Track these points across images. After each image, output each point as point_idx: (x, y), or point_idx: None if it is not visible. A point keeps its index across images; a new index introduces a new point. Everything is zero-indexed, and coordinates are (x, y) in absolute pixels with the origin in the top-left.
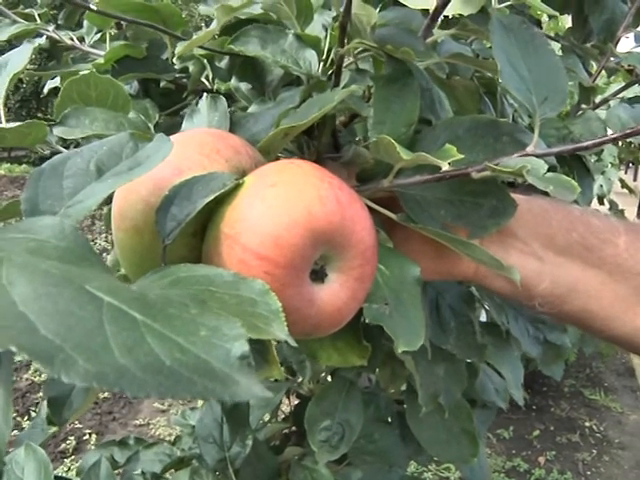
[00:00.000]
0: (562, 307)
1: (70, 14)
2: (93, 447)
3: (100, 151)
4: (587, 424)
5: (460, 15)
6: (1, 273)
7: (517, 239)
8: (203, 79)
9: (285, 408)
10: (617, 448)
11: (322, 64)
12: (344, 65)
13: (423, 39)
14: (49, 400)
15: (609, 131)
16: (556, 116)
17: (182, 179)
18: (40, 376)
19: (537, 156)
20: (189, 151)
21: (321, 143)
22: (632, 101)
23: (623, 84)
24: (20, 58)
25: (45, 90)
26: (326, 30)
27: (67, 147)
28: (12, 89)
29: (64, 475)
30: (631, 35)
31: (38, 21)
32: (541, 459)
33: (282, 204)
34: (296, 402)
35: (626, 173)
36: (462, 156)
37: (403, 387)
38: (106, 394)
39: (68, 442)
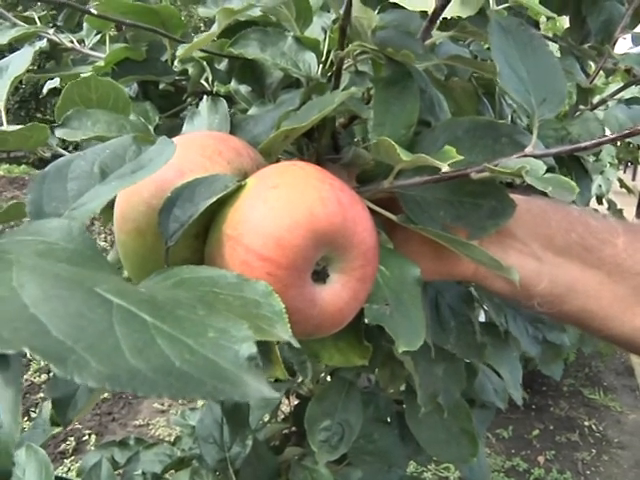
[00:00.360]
0: (561, 307)
1: (70, 16)
2: (93, 448)
3: (103, 154)
4: (586, 423)
5: (459, 17)
6: (11, 276)
7: (516, 239)
8: (203, 81)
9: (285, 408)
10: (616, 447)
11: (321, 66)
12: (344, 67)
13: (422, 41)
14: (53, 401)
15: (607, 131)
16: (554, 117)
17: (184, 181)
18: (40, 377)
19: (536, 157)
20: (191, 153)
21: (321, 145)
22: (630, 102)
23: (622, 84)
24: (21, 61)
25: (44, 91)
26: (325, 32)
27: (66, 149)
28: (12, 91)
29: (64, 476)
30: (628, 36)
31: (38, 24)
32: (540, 458)
33: (284, 205)
34: (296, 402)
35: (625, 173)
36: (461, 157)
37: (402, 387)
38: (106, 395)
39: (68, 443)
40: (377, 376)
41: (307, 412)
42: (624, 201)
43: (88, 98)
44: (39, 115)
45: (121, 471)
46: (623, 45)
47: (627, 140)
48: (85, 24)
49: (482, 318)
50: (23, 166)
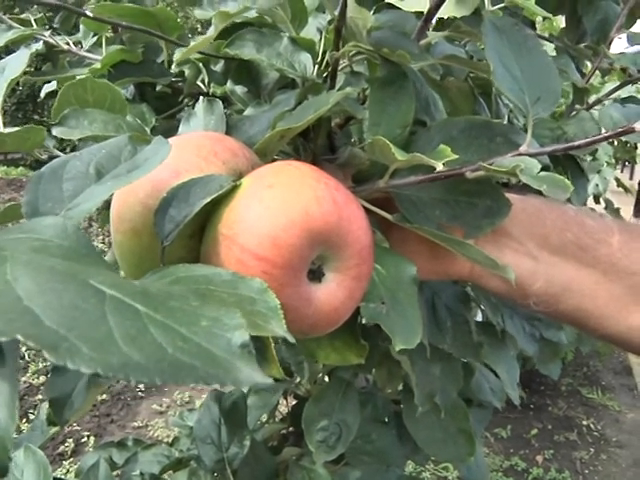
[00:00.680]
0: (557, 306)
1: (66, 18)
2: (91, 449)
3: (99, 154)
4: (585, 423)
5: (454, 17)
6: (6, 270)
7: (512, 239)
8: (199, 83)
9: (282, 409)
10: (615, 446)
11: (317, 67)
12: (339, 68)
13: (417, 41)
14: (50, 401)
15: (603, 131)
16: (550, 117)
17: (180, 181)
18: (38, 379)
19: (530, 155)
20: (186, 154)
21: (317, 145)
22: (625, 101)
23: (618, 84)
24: (18, 63)
25: (42, 94)
26: (320, 33)
27: (63, 150)
28: (9, 92)
29: (63, 477)
30: (624, 36)
31: (34, 26)
32: (539, 458)
33: (279, 205)
34: (293, 403)
35: (622, 172)
36: (456, 156)
37: (400, 387)
38: (104, 396)
39: (66, 444)
40: (374, 376)
41: (305, 412)
42: (621, 200)
43: (84, 100)
44: (36, 117)
45: (119, 472)
46: (619, 45)
47: (624, 139)
48: (81, 26)
49: (479, 317)
50: (20, 168)
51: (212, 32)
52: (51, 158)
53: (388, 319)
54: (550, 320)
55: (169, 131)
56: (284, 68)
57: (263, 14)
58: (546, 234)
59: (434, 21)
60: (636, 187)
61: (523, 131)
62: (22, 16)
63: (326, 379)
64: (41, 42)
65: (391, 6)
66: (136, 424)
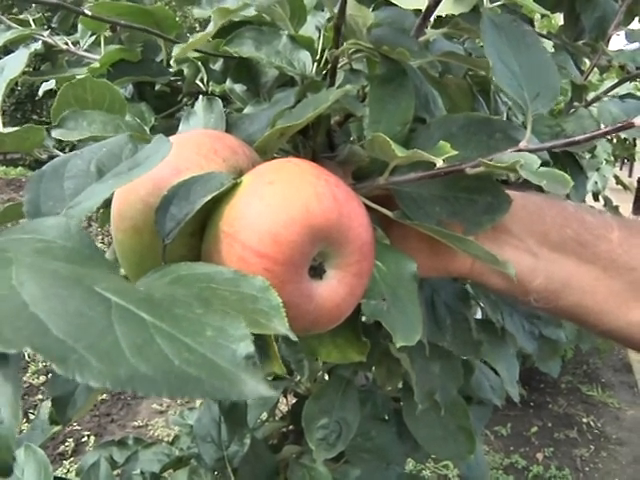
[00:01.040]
0: (557, 302)
1: (64, 17)
2: (92, 449)
3: (100, 152)
4: (585, 420)
5: (452, 15)
6: (11, 274)
7: (512, 235)
8: (198, 81)
9: (283, 407)
10: (615, 444)
11: (316, 65)
12: (338, 66)
13: (416, 38)
14: (53, 399)
15: (602, 127)
16: (549, 114)
17: (180, 179)
18: (38, 379)
19: (530, 151)
20: (187, 152)
21: (316, 142)
22: (624, 98)
23: (616, 81)
24: (16, 63)
25: (40, 92)
26: (319, 31)
27: (63, 150)
28: (7, 92)
29: (63, 477)
30: (622, 33)
31: (33, 26)
32: (539, 455)
33: (280, 202)
34: (293, 401)
35: (621, 169)
36: (456, 153)
37: (400, 385)
38: (104, 396)
39: (67, 444)
40: (374, 374)
41: (305, 410)
42: (620, 198)
43: (84, 100)
44: (35, 117)
45: (120, 471)
46: (617, 42)
47: (623, 136)
48: (80, 26)
49: (479, 315)
50: (20, 168)
51: (211, 28)
52: (50, 158)
53: (389, 316)
54: (550, 317)
55: (168, 130)
56: (283, 66)
57: (262, 12)
58: (546, 231)
59: (432, 18)
60: (635, 184)
61: (522, 128)
62: (21, 16)
63: (326, 377)
64: (40, 42)
65: (389, 3)
66: (136, 423)
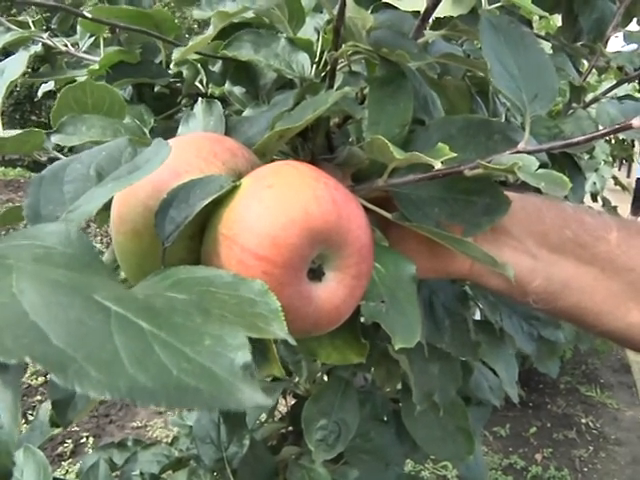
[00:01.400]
0: (556, 303)
1: (63, 19)
2: (90, 450)
3: (99, 156)
4: (583, 421)
5: (451, 16)
6: (11, 282)
7: (511, 237)
8: (197, 83)
9: (282, 408)
10: (613, 444)
11: (315, 67)
12: (337, 68)
13: (415, 40)
14: (54, 402)
15: (600, 128)
16: (547, 115)
17: (180, 182)
18: (37, 380)
19: (528, 153)
20: (186, 154)
21: (315, 145)
22: (622, 99)
23: (614, 82)
24: (16, 66)
25: (39, 93)
26: (318, 33)
27: (62, 151)
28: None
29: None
30: (620, 34)
31: (32, 28)
32: (538, 456)
33: (279, 204)
34: (293, 402)
35: (619, 170)
36: (455, 154)
37: (399, 386)
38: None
39: (66, 445)
40: (373, 375)
41: (304, 411)
42: (619, 198)
43: (84, 102)
44: (34, 118)
45: (119, 472)
46: (615, 43)
47: (621, 137)
48: (79, 27)
49: (477, 316)
50: (18, 169)
51: (211, 31)
52: (50, 159)
53: (388, 318)
54: (548, 318)
55: (167, 131)
56: (282, 68)
57: (260, 15)
58: (545, 232)
59: (431, 20)
60: (633, 185)
61: (520, 129)
62: (20, 18)
63: (325, 378)
64: (39, 44)
65: (388, 5)
66: (135, 424)
